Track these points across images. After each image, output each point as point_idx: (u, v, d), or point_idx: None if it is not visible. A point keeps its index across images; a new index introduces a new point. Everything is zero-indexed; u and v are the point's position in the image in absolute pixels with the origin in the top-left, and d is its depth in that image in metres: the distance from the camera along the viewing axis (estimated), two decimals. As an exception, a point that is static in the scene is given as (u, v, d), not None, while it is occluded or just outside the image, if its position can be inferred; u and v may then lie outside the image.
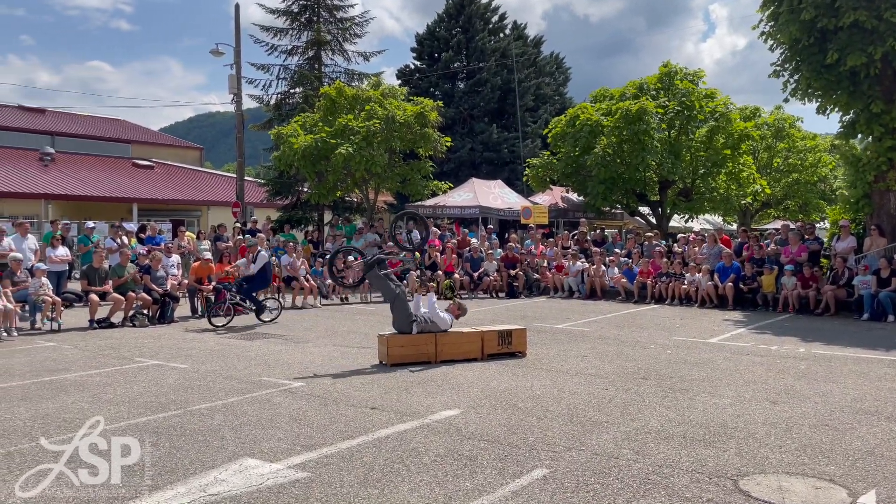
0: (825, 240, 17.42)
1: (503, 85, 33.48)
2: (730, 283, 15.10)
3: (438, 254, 18.62)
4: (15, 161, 30.13)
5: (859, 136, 15.77)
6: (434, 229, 20.95)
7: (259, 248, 13.64)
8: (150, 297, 12.91)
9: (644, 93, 21.91)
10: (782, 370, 8.53)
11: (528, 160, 25.05)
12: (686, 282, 15.91)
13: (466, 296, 17.41)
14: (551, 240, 20.48)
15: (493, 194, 24.98)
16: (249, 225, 21.39)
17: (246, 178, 28.43)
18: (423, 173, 23.15)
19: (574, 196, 24.83)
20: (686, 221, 25.63)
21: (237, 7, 26.37)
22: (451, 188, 25.22)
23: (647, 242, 18.47)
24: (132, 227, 20.53)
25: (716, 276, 15.50)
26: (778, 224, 25.69)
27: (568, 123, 22.20)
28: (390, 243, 18.10)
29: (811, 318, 13.62)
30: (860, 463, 5.13)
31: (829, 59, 13.83)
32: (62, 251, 14.77)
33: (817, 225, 22.71)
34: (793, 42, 14.55)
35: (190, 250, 17.51)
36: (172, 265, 14.61)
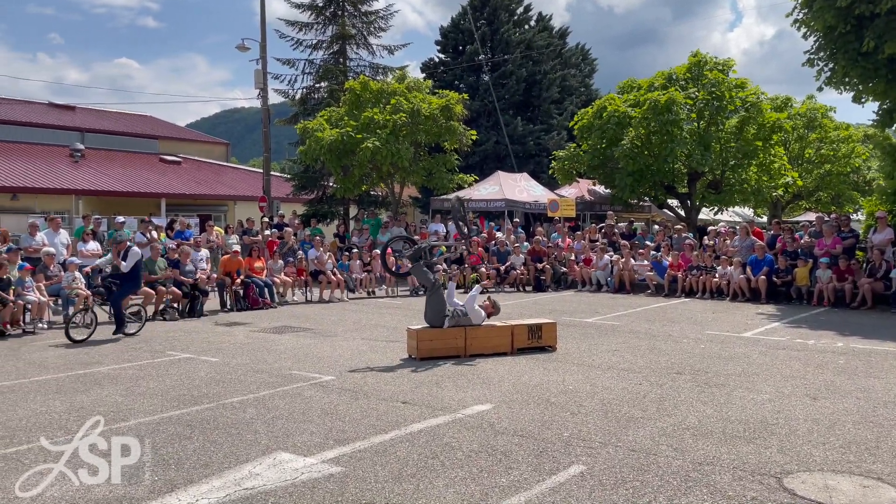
0: (860, 231, 17.02)
1: (528, 77, 33.21)
2: (763, 277, 14.82)
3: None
4: (46, 157, 30.61)
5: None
6: (460, 223, 20.84)
7: (130, 243, 11.31)
8: (179, 291, 13.02)
9: (673, 83, 21.56)
10: (821, 365, 8.33)
11: (554, 152, 24.84)
12: (717, 275, 15.65)
13: (493, 290, 17.31)
14: (578, 233, 20.28)
15: (519, 187, 24.81)
16: (276, 219, 21.49)
17: (272, 172, 28.56)
18: (448, 166, 23.05)
19: (601, 188, 24.57)
20: (715, 214, 25.22)
21: (262, 2, 26.45)
22: (476, 181, 25.10)
23: (676, 235, 18.20)
24: (161, 221, 20.78)
25: (748, 269, 15.22)
26: (810, 216, 25.23)
27: (594, 115, 21.94)
28: (416, 236, 18.06)
29: (847, 312, 13.31)
30: (909, 461, 4.96)
31: (865, 46, 13.45)
32: (93, 245, 14.95)
33: (851, 217, 22.22)
34: (827, 30, 14.18)
35: (218, 244, 17.63)
36: (201, 259, 14.71)
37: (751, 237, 16.32)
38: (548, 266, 18.10)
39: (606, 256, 17.68)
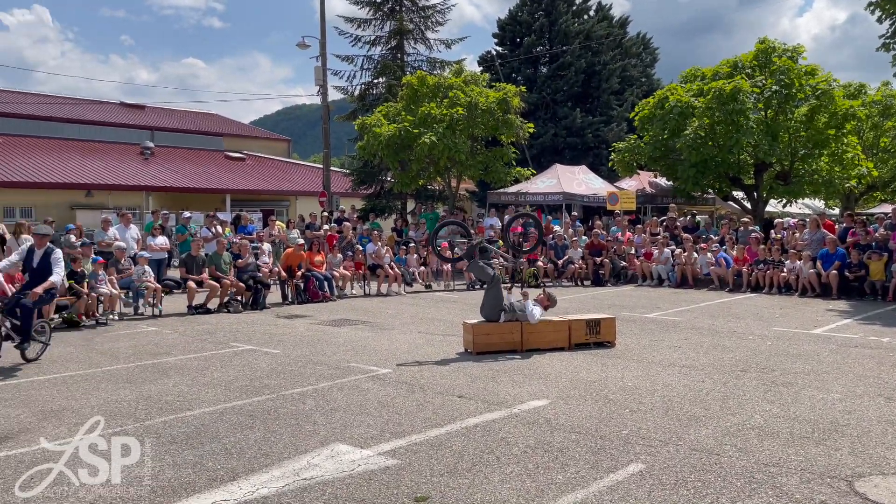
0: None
1: (587, 68, 32.68)
2: (834, 271, 14.21)
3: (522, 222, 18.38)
4: (118, 155, 31.89)
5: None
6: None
7: (51, 245, 8.74)
8: (243, 284, 13.37)
9: (739, 71, 20.85)
10: (897, 364, 7.93)
11: (613, 144, 24.39)
12: (785, 269, 15.09)
13: (550, 284, 17.15)
14: (639, 226, 19.88)
15: (578, 180, 24.46)
16: (337, 214, 21.83)
17: (332, 168, 29.04)
18: (505, 160, 22.93)
19: (662, 181, 24.00)
20: (783, 206, 24.27)
21: (322, 0, 26.85)
22: (533, 175, 24.89)
23: (742, 228, 17.63)
24: (226, 217, 21.39)
25: (818, 264, 14.62)
26: (886, 208, 24.02)
27: (656, 105, 21.42)
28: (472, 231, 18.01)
29: (927, 309, 12.64)
30: None
31: (949, 27, 12.72)
32: (162, 240, 15.50)
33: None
34: (907, 11, 13.47)
35: (280, 239, 18.03)
36: (264, 253, 15.07)
37: (821, 230, 15.66)
38: (607, 260, 17.81)
39: (668, 250, 17.28)
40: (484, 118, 21.30)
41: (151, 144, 33.64)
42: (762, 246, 16.07)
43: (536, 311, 8.96)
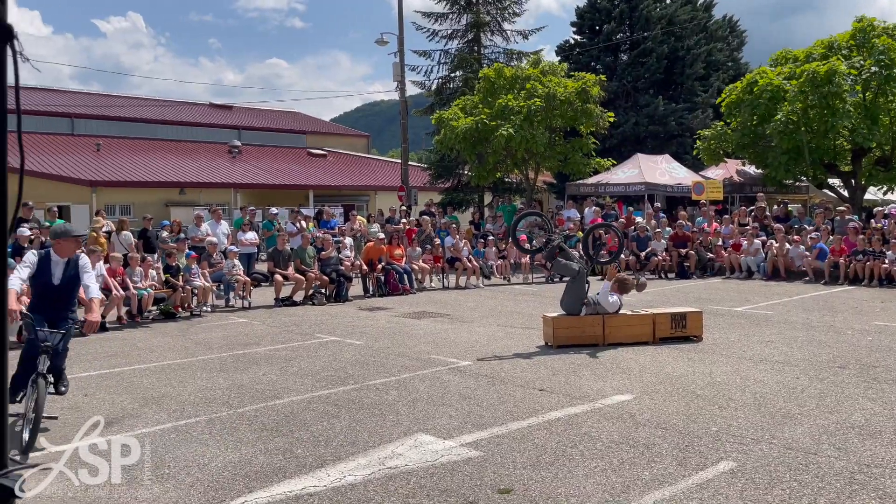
0: None
1: (670, 54, 31.66)
2: (943, 262, 13.28)
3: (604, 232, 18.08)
4: (208, 154, 33.33)
5: None
6: (596, 208, 20.40)
7: (78, 250, 6.13)
8: (326, 277, 13.73)
9: (834, 52, 19.72)
10: None
11: (698, 132, 23.56)
12: (888, 260, 14.21)
13: (633, 277, 16.76)
14: (726, 216, 19.14)
15: (660, 170, 23.77)
16: (424, 207, 22.09)
17: (410, 162, 29.36)
18: (584, 150, 22.56)
19: (751, 169, 22.99)
20: (885, 193, 22.83)
21: (399, -4, 27.14)
22: (614, 165, 24.38)
23: (839, 217, 16.70)
24: (309, 212, 22.00)
25: (925, 254, 13.69)
26: None
27: (744, 90, 20.51)
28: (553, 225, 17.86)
29: None
30: None
31: None
32: (251, 235, 16.11)
33: None
34: None
35: (361, 233, 18.39)
36: (346, 247, 15.41)
37: (928, 218, 14.64)
38: (692, 252, 17.25)
39: (757, 241, 16.57)
40: (562, 109, 21.04)
41: (239, 143, 34.97)
42: (861, 236, 15.18)
43: (614, 300, 8.79)
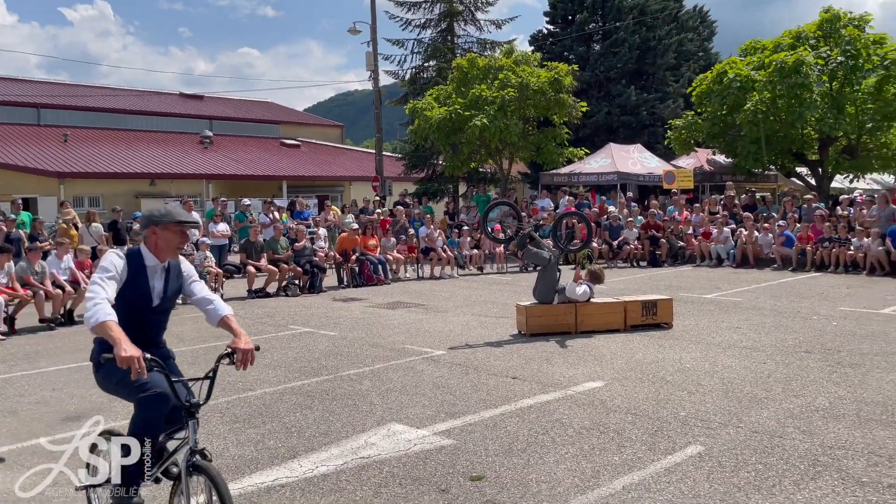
0: None
1: (641, 44, 31.87)
2: (905, 249, 13.60)
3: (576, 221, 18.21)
4: (178, 144, 32.88)
5: None
6: (569, 198, 20.52)
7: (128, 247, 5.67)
8: (300, 269, 13.65)
9: (802, 42, 20.01)
10: (974, 345, 7.57)
11: (670, 122, 23.80)
12: (853, 247, 14.52)
13: (605, 265, 16.93)
14: (697, 205, 19.39)
15: (633, 159, 23.98)
16: (398, 197, 22.04)
17: (384, 153, 29.26)
18: (557, 140, 22.66)
19: (721, 158, 23.29)
20: (850, 182, 23.29)
21: (372, -16, 26.93)
22: (587, 154, 24.53)
23: (806, 205, 17.02)
24: (283, 203, 21.82)
25: (888, 241, 14.00)
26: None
27: (714, 80, 20.74)
28: (523, 214, 17.93)
29: None
30: None
31: None
32: (223, 227, 15.94)
33: None
34: None
35: (336, 224, 18.31)
36: (320, 238, 15.32)
37: (891, 206, 14.97)
38: (664, 240, 17.46)
39: (727, 229, 16.82)
40: (535, 99, 21.09)
41: (210, 133, 34.54)
42: (827, 223, 15.49)
43: (579, 289, 8.89)
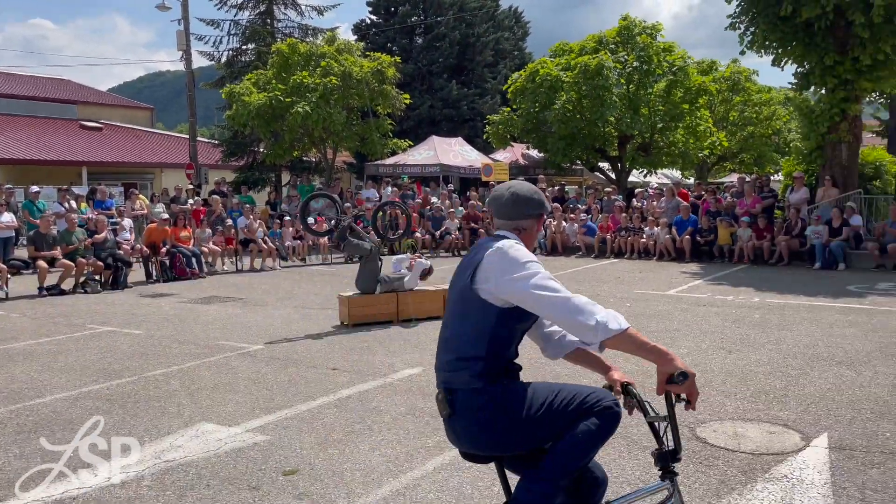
0: (779, 191, 17.73)
1: (462, 40, 32.93)
2: (687, 236, 15.32)
3: (399, 212, 18.45)
4: (-48, 124, 28.76)
5: (813, 88, 15.94)
6: (394, 189, 20.74)
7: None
8: (101, 263, 12.53)
9: (603, 46, 21.77)
10: (738, 319, 8.70)
11: (488, 117, 24.83)
12: (645, 236, 16.09)
13: (428, 255, 17.34)
14: (512, 197, 20.43)
15: (454, 152, 24.75)
16: (214, 186, 20.87)
17: (200, 138, 27.68)
18: (381, 131, 22.78)
19: (534, 153, 24.76)
20: (645, 176, 25.83)
21: (183, -41, 25.24)
22: (410, 146, 24.92)
23: (606, 198, 18.57)
24: (82, 190, 19.87)
25: (673, 230, 15.69)
26: (735, 177, 26.11)
27: (527, 79, 21.98)
28: (348, 204, 17.87)
29: (766, 269, 13.91)
30: (812, 407, 5.25)
31: (783, 10, 13.85)
32: (7, 217, 14.18)
33: (772, 177, 23.11)
34: (749, -7, 14.54)
35: (144, 214, 17.03)
36: (124, 230, 14.17)
37: (676, 198, 16.79)
38: (483, 230, 18.21)
39: (539, 219, 17.90)
40: (359, 88, 21.02)
41: (-8, 112, 30.55)
42: (624, 214, 17.02)
43: (408, 276, 9.07)
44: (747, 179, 17.10)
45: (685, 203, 16.33)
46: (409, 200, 19.29)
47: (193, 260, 14.03)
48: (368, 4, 34.71)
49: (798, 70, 15.57)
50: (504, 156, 25.56)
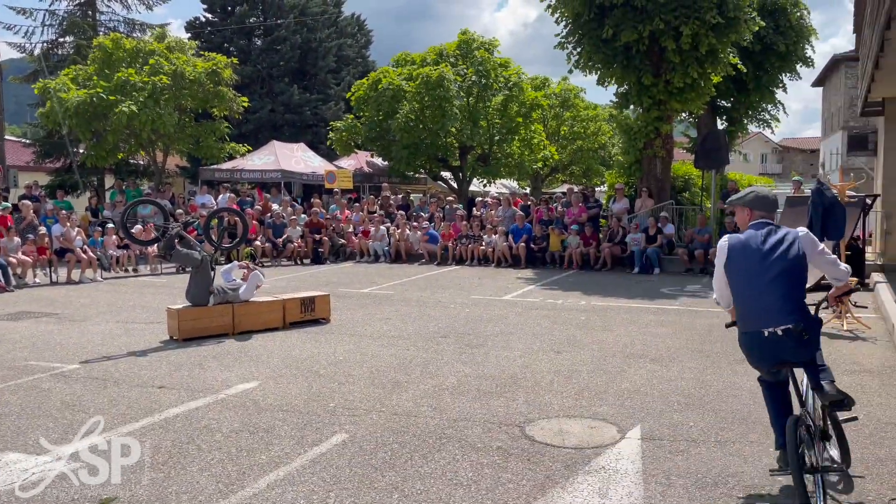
0: (604, 202, 19.13)
1: (303, 44, 32.39)
2: (522, 244, 16.08)
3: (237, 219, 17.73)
4: None
5: (632, 106, 17.39)
6: (231, 195, 19.92)
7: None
8: None
9: (444, 59, 22.37)
10: (566, 322, 9.27)
11: (331, 123, 24.61)
12: (484, 243, 16.68)
13: (269, 264, 16.84)
14: (357, 204, 20.39)
15: (296, 158, 24.25)
16: (24, 190, 18.81)
17: (8, 137, 24.96)
18: (217, 134, 21.82)
19: (379, 160, 24.88)
20: (485, 185, 26.82)
21: (-14, -63, 22.72)
22: (249, 151, 24.08)
23: (448, 206, 19.04)
24: None
25: (510, 238, 16.41)
26: (565, 188, 27.82)
27: (370, 87, 22.08)
28: (180, 211, 16.94)
29: (592, 274, 14.94)
30: (628, 402, 5.71)
31: (605, 34, 15.00)
32: None
33: (597, 188, 24.89)
34: (575, 16, 15.58)
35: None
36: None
37: (512, 207, 17.58)
38: (326, 238, 17.98)
39: (383, 227, 18.00)
40: (192, 89, 20.00)
41: None
42: (465, 222, 17.55)
43: (243, 285, 8.76)
44: (575, 190, 18.27)
45: (521, 212, 17.14)
46: (247, 207, 18.60)
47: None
48: (203, 2, 33.18)
49: (619, 90, 16.93)
50: (348, 163, 25.44)
